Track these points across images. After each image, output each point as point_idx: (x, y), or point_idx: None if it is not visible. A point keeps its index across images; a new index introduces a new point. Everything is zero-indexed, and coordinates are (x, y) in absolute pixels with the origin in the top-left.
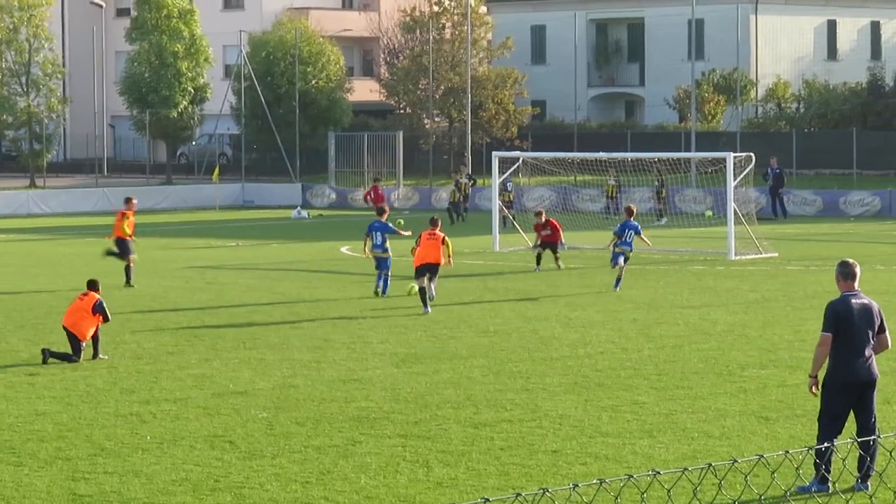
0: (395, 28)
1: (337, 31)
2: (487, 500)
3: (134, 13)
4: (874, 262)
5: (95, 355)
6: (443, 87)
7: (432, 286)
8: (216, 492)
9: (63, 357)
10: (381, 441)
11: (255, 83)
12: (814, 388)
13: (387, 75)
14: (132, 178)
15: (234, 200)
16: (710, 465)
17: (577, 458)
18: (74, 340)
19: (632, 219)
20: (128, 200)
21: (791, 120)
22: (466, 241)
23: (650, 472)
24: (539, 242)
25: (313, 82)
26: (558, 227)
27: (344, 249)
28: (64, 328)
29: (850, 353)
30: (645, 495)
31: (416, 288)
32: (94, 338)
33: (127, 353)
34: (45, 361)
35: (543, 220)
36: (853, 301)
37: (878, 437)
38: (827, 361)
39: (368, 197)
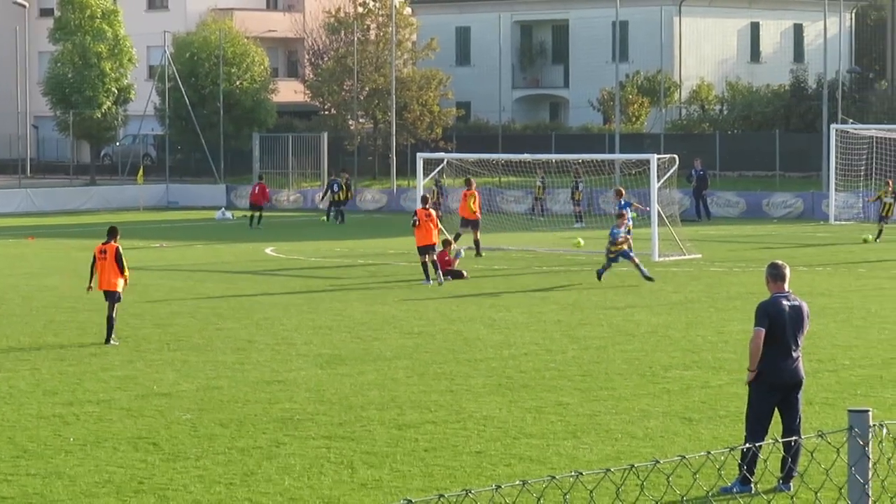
0: (319, 29)
1: (261, 31)
2: (410, 501)
3: (57, 13)
4: (797, 263)
5: (108, 339)
6: (367, 89)
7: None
8: (140, 493)
9: (112, 328)
10: (305, 442)
11: (180, 84)
12: (752, 381)
13: (311, 76)
14: (56, 179)
15: (158, 201)
16: (633, 466)
17: (502, 459)
18: (112, 298)
19: (622, 199)
20: None
21: (714, 122)
22: (392, 241)
23: (573, 474)
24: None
25: (238, 83)
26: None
27: (268, 250)
28: (104, 292)
29: (777, 354)
30: (568, 496)
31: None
32: (111, 319)
33: (50, 355)
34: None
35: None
36: (784, 302)
37: (801, 438)
38: None
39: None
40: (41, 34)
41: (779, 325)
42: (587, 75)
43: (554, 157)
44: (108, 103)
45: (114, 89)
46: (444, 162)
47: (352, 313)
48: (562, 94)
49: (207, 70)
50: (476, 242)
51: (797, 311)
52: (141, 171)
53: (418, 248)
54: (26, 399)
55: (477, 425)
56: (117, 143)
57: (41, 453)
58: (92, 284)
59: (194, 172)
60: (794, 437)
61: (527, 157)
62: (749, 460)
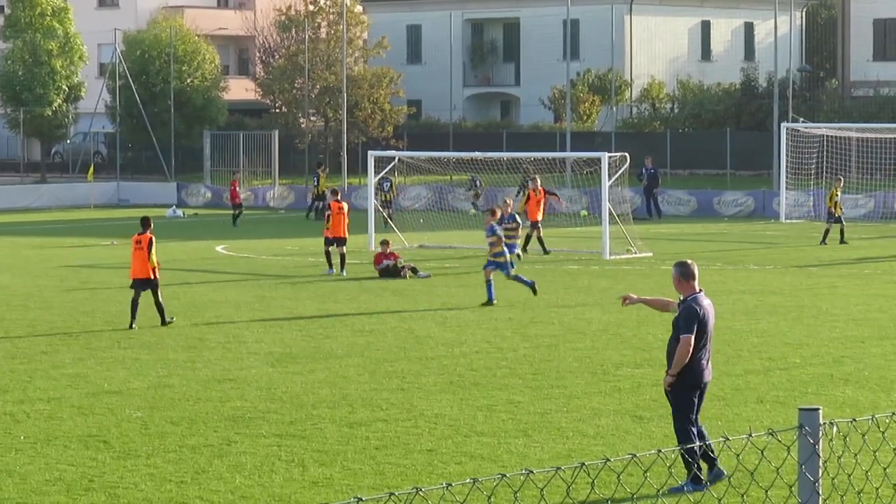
0: (270, 27)
1: (212, 29)
2: (360, 499)
3: (7, 11)
4: (748, 261)
5: (164, 321)
6: (319, 87)
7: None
8: (90, 492)
9: (162, 312)
10: (256, 440)
11: (130, 81)
12: (676, 384)
13: (262, 74)
14: (5, 177)
15: (109, 199)
16: (584, 464)
17: (453, 457)
18: (148, 285)
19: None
20: None
21: (666, 120)
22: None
23: (523, 472)
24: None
25: (188, 81)
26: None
27: (219, 248)
28: (135, 281)
29: (702, 354)
30: (518, 494)
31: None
32: (159, 305)
33: (0, 353)
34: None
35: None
36: (704, 302)
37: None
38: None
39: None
40: None
41: (703, 328)
42: (538, 73)
43: (505, 155)
44: (59, 101)
45: (64, 87)
46: (396, 160)
47: (303, 311)
48: (513, 92)
49: (158, 68)
50: (539, 240)
51: (712, 311)
52: (91, 169)
53: (325, 238)
54: None
55: (428, 423)
56: (68, 141)
57: None
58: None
59: (145, 170)
60: (702, 428)
61: (478, 154)
62: (697, 458)
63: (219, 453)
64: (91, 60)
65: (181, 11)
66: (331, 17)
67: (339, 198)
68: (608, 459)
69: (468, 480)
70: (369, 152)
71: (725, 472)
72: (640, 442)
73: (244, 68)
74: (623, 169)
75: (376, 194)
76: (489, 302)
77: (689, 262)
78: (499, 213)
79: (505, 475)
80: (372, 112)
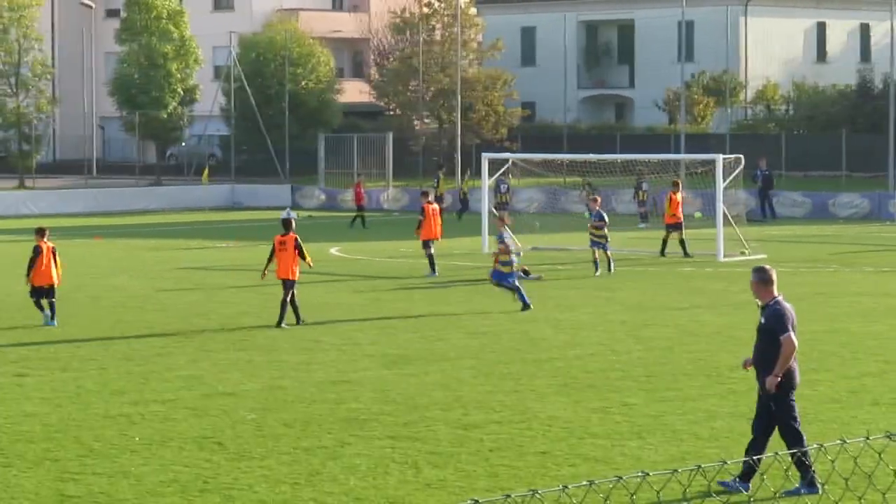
0: (384, 29)
1: (327, 32)
2: (477, 500)
3: (123, 14)
4: (863, 263)
5: (298, 319)
6: (433, 89)
7: None
8: (205, 493)
9: (297, 311)
10: (370, 442)
11: (245, 84)
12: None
13: (377, 77)
14: (121, 179)
15: (223, 201)
16: (700, 466)
17: (567, 459)
18: (290, 286)
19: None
20: None
21: (780, 122)
22: (457, 241)
23: (639, 474)
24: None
25: (303, 83)
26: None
27: (333, 251)
28: (285, 282)
29: (795, 359)
30: (634, 497)
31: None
32: (294, 304)
33: (116, 355)
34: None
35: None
36: (787, 305)
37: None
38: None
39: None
40: (108, 35)
41: (795, 330)
42: (652, 75)
43: (619, 157)
44: (174, 104)
45: (179, 90)
46: (510, 162)
47: (416, 313)
48: (627, 94)
49: (273, 70)
50: (681, 242)
51: (794, 315)
52: (206, 172)
53: (423, 241)
54: (93, 398)
55: (542, 425)
56: (183, 144)
57: (107, 452)
58: (267, 272)
59: (260, 173)
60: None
61: (592, 157)
62: (809, 461)
63: (333, 455)
64: (206, 63)
65: (296, 14)
66: (445, 19)
67: (430, 199)
68: (725, 462)
69: (584, 483)
70: (483, 154)
71: (819, 487)
72: None
73: (358, 71)
74: (738, 171)
75: (492, 196)
76: (526, 305)
77: (768, 267)
78: (508, 221)
79: (621, 478)
80: (486, 114)
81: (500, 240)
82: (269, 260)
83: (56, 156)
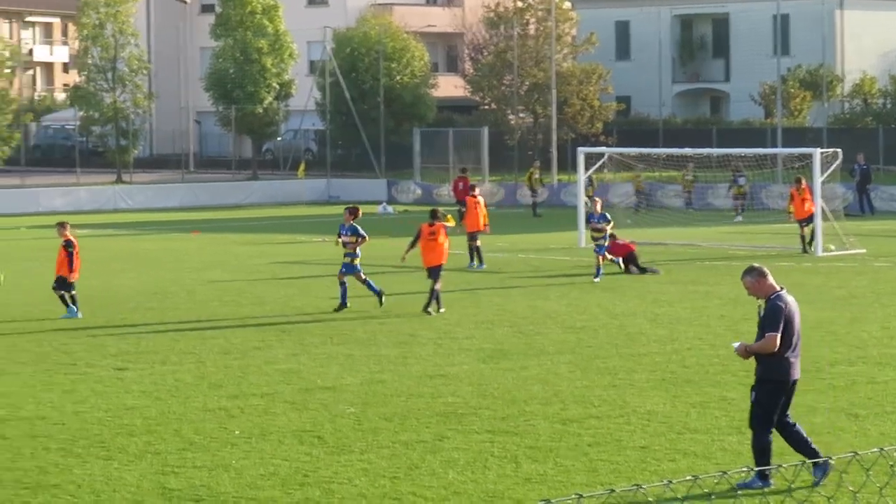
0: (479, 24)
1: (421, 26)
2: (581, 495)
3: (218, 9)
4: None
5: (439, 307)
6: (527, 83)
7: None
8: (305, 486)
9: (437, 300)
10: (468, 436)
11: (340, 79)
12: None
13: (471, 71)
14: (217, 174)
15: (319, 196)
16: (804, 462)
17: (666, 454)
18: (437, 274)
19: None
20: None
21: (878, 116)
22: (552, 236)
23: (743, 468)
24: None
25: (398, 78)
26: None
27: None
28: (429, 269)
29: (790, 352)
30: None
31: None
32: (434, 295)
33: (214, 348)
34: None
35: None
36: (788, 299)
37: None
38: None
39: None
40: (203, 30)
41: (789, 326)
42: (748, 69)
43: (715, 151)
44: (270, 98)
45: (275, 84)
46: (606, 156)
47: (514, 308)
48: (722, 88)
49: (367, 65)
50: (802, 238)
51: (797, 308)
52: (302, 166)
53: (468, 234)
54: (192, 392)
55: (641, 420)
56: (279, 138)
57: (207, 446)
58: (406, 256)
59: (355, 167)
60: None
61: (688, 151)
62: (770, 457)
63: (431, 449)
64: (301, 58)
65: (390, 9)
66: (539, 13)
67: (475, 192)
68: (829, 458)
69: (688, 477)
70: (578, 149)
71: (831, 465)
72: (856, 440)
73: (453, 65)
74: (835, 165)
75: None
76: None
77: (756, 265)
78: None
79: (725, 472)
80: (581, 108)
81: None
82: (412, 246)
83: (153, 151)
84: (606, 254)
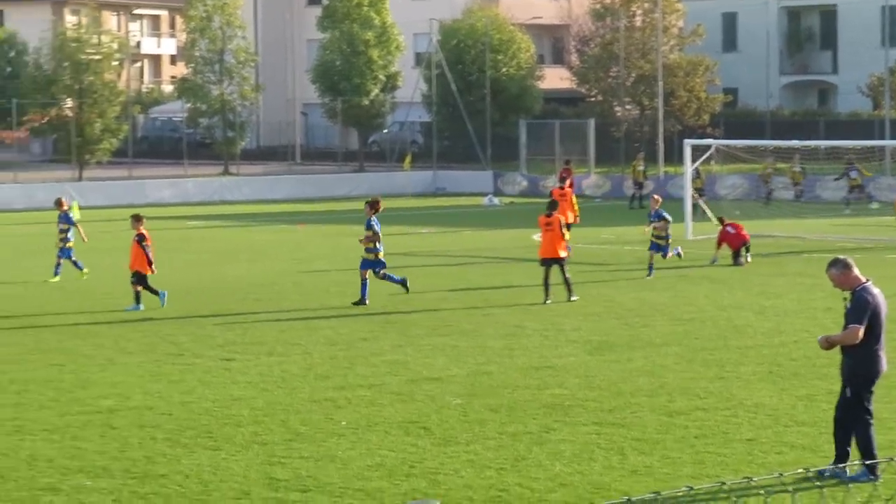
0: (585, 15)
1: (527, 18)
2: (691, 487)
3: (325, 1)
4: None
5: (570, 295)
6: (634, 75)
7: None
8: (411, 477)
9: (569, 286)
10: (575, 428)
11: (446, 71)
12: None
13: (577, 63)
14: (324, 166)
15: (425, 188)
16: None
17: (773, 447)
18: (557, 262)
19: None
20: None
21: None
22: None
23: (857, 462)
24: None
25: (504, 70)
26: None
27: (536, 237)
28: (543, 260)
29: (877, 345)
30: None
31: None
32: (566, 280)
33: (321, 340)
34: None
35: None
36: (874, 291)
37: None
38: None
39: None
40: (309, 22)
41: (875, 319)
42: (856, 61)
43: (823, 143)
44: (376, 90)
45: (381, 76)
46: (713, 148)
47: (620, 300)
48: (830, 79)
49: (473, 57)
50: None
51: (883, 300)
52: (408, 158)
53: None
54: (298, 383)
55: (747, 413)
56: (385, 130)
57: (313, 437)
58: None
59: (461, 159)
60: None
61: (796, 143)
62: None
63: (538, 440)
64: (407, 50)
65: (496, 1)
66: (646, 5)
67: (564, 185)
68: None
69: (800, 469)
70: (685, 141)
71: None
72: None
73: (559, 57)
74: None
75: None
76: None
77: (841, 257)
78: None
79: (841, 465)
80: (687, 100)
81: (368, 226)
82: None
83: (259, 142)
84: (672, 252)
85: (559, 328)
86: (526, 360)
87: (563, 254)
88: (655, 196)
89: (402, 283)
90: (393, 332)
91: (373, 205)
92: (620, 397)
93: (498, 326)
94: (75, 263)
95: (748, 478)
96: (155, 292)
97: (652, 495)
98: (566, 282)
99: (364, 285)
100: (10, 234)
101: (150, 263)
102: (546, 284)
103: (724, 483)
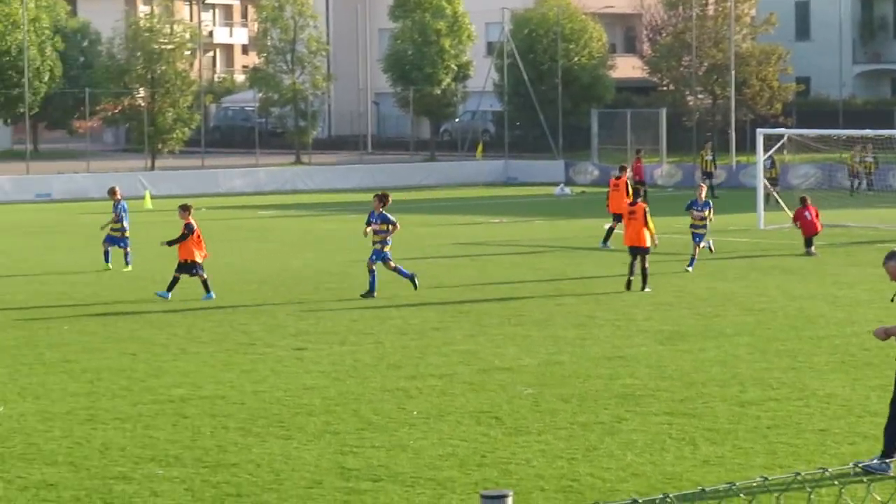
0: (657, 4)
1: (599, 7)
2: (766, 478)
3: None
4: None
5: (644, 285)
6: (706, 64)
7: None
8: (483, 467)
9: (645, 278)
10: (646, 418)
11: (518, 60)
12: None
13: (649, 52)
14: (396, 155)
15: (497, 177)
16: None
17: (846, 437)
18: (641, 251)
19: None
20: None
21: None
22: (731, 218)
23: None
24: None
25: (576, 59)
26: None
27: (608, 226)
28: (630, 248)
29: None
30: None
31: None
32: (644, 271)
33: (393, 329)
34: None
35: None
36: None
37: None
38: None
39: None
40: (381, 12)
41: None
42: None
43: None
44: (448, 80)
45: (453, 66)
46: (785, 138)
47: (692, 290)
48: None
49: (545, 46)
50: None
51: None
52: (480, 147)
53: (612, 214)
54: (370, 372)
55: (820, 403)
56: (456, 120)
57: (385, 426)
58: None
59: (532, 148)
60: None
61: (869, 133)
62: None
63: (609, 431)
64: (479, 39)
65: None
66: None
67: (618, 174)
68: None
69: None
70: (758, 130)
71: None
72: None
73: (631, 46)
74: None
75: (765, 172)
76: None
77: None
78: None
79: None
80: (760, 89)
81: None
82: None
83: (331, 132)
84: (704, 244)
85: (630, 318)
86: (597, 350)
87: (647, 243)
88: (702, 184)
89: (411, 277)
90: (465, 322)
91: (382, 198)
92: (692, 387)
93: (569, 316)
94: (111, 255)
95: (822, 468)
96: (171, 287)
97: (726, 486)
98: (644, 272)
99: (372, 276)
100: (84, 224)
101: (172, 244)
102: (631, 271)
103: (798, 474)
